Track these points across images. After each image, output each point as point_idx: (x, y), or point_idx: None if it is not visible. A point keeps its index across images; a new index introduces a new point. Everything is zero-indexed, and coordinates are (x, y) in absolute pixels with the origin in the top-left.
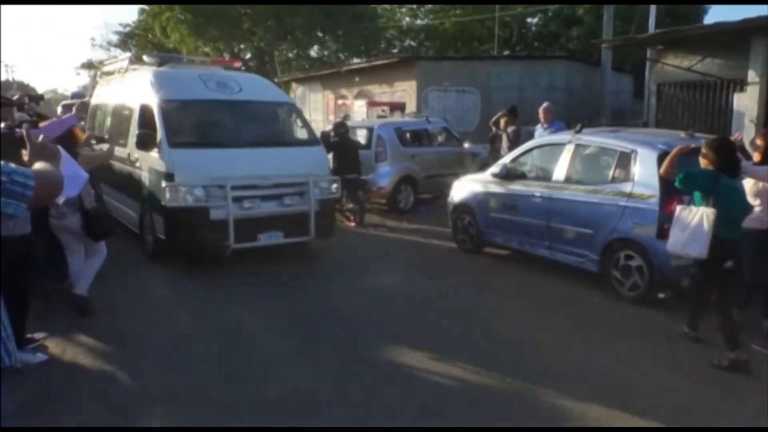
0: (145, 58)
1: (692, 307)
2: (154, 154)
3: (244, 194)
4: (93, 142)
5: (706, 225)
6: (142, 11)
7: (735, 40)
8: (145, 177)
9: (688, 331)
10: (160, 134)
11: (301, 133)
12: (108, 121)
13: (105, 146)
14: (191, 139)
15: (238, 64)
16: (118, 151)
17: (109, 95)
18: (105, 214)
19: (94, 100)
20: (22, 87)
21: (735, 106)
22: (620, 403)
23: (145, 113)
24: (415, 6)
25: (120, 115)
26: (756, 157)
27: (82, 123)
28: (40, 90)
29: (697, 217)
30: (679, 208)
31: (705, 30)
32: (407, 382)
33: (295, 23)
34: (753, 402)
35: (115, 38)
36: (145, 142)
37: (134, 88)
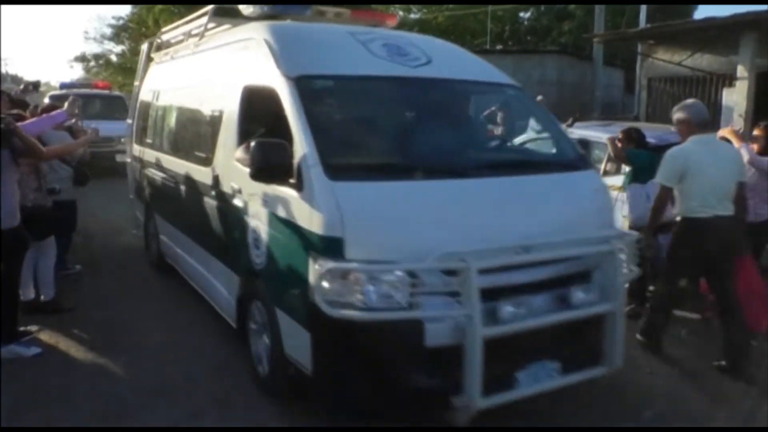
0: (243, 8)
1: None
2: (287, 189)
3: (501, 284)
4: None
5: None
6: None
7: (724, 36)
8: (260, 231)
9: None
10: (302, 148)
11: (548, 142)
12: (171, 122)
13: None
14: (368, 158)
15: (393, 21)
16: (192, 171)
17: (172, 79)
18: (45, 212)
19: (146, 90)
20: (16, 80)
21: (724, 101)
22: (614, 401)
23: (257, 103)
24: None
25: (195, 112)
26: (755, 148)
27: (74, 120)
28: None
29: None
30: (628, 188)
31: (695, 25)
32: None
33: None
34: (748, 399)
35: (108, 31)
36: (267, 165)
37: (226, 61)
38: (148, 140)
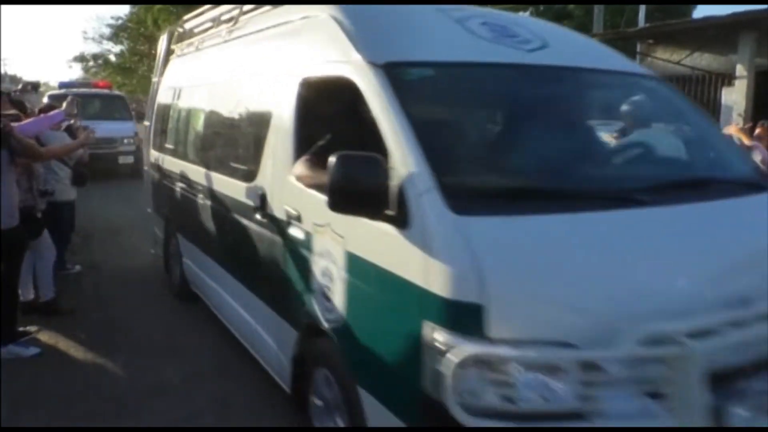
0: None
1: None
2: (382, 224)
3: (721, 369)
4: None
5: None
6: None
7: (723, 35)
8: (334, 277)
9: None
10: (404, 165)
11: (707, 150)
12: (199, 125)
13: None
14: (503, 180)
15: None
16: (227, 186)
17: (199, 73)
18: (35, 212)
19: (166, 88)
20: (15, 80)
21: (723, 100)
22: None
23: (320, 100)
24: None
25: (231, 113)
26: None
27: (73, 120)
28: None
29: None
30: None
31: (694, 24)
32: None
33: None
34: None
35: (107, 31)
36: (355, 190)
37: (273, 47)
38: (169, 146)
